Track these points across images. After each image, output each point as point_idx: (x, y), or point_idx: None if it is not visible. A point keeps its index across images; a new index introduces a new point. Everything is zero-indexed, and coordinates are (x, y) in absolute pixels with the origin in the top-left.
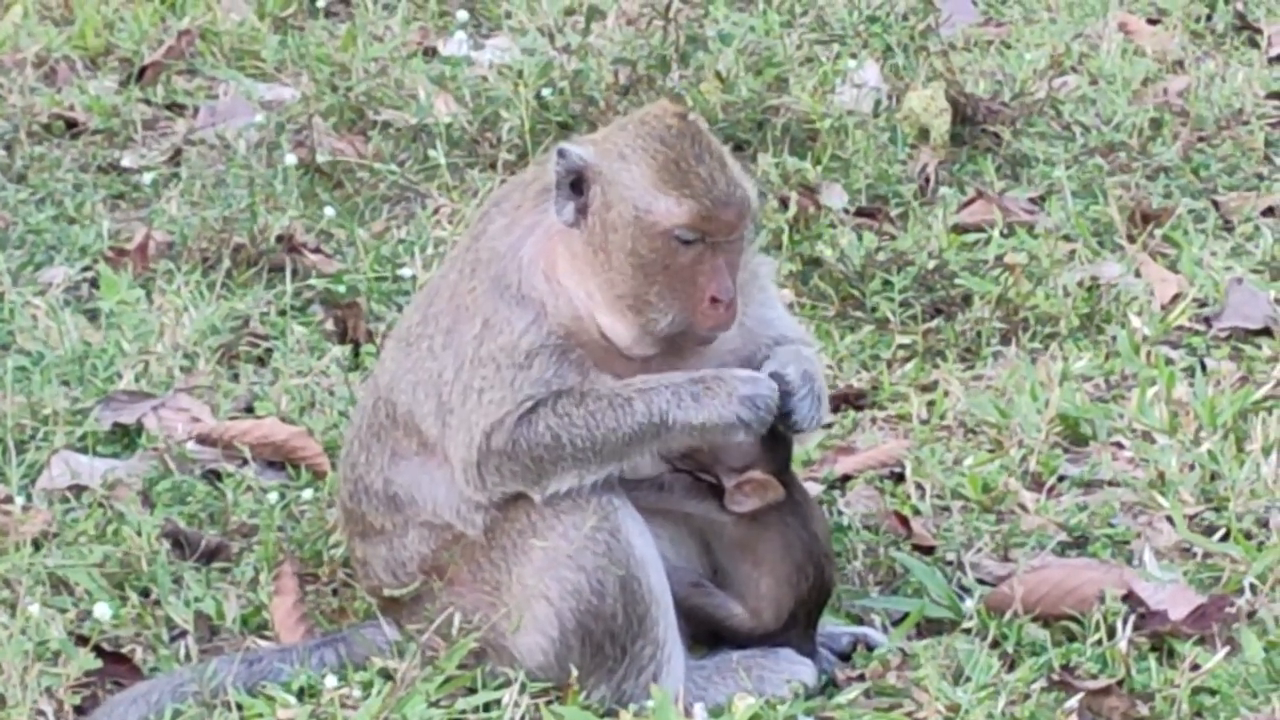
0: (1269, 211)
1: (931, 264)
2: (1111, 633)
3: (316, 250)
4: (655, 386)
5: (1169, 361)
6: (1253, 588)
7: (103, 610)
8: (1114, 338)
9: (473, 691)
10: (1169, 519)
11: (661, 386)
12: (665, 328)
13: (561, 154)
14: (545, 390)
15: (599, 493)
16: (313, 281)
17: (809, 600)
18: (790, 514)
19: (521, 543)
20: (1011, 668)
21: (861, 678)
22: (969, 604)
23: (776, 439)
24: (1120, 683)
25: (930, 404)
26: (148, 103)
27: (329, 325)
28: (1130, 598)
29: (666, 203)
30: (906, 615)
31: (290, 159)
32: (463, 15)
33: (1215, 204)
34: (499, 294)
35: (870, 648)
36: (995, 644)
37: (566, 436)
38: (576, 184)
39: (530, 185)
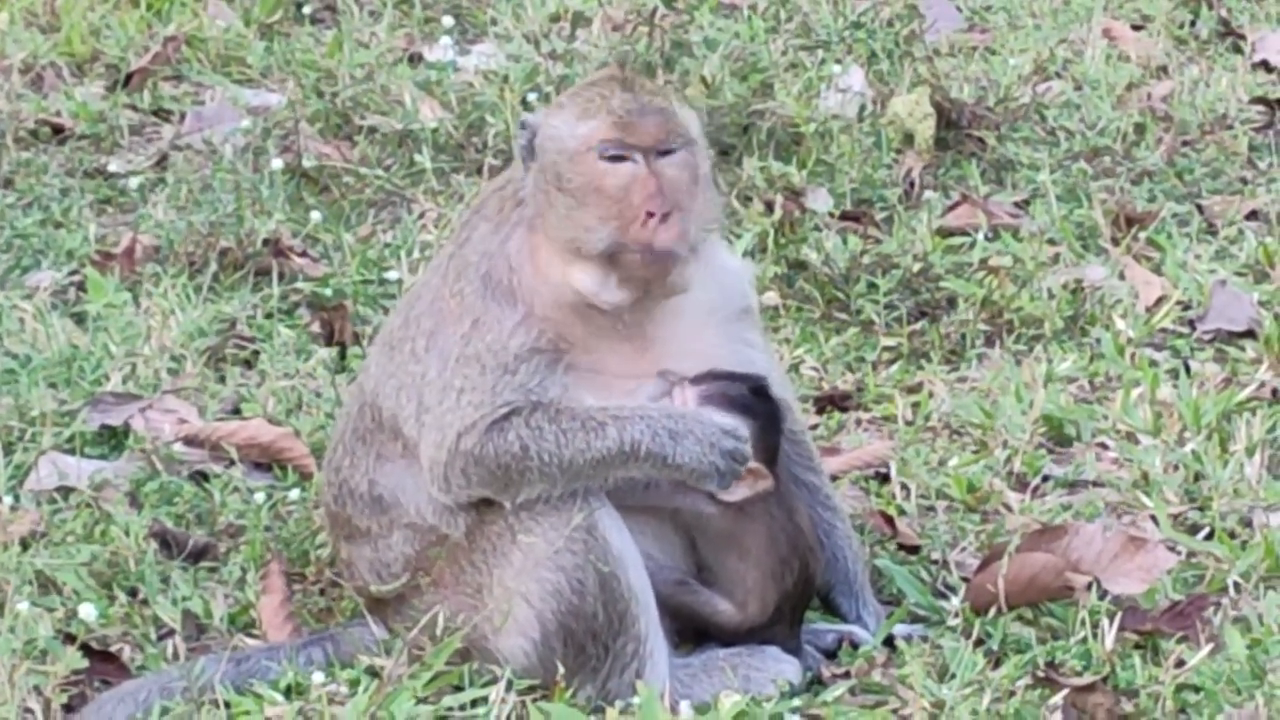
0: (1252, 215)
1: (916, 267)
2: (1096, 630)
3: (303, 254)
4: (632, 416)
5: (1153, 363)
6: (1236, 586)
7: (88, 611)
8: (1098, 340)
9: (460, 689)
10: (1153, 518)
11: (638, 416)
12: (607, 250)
13: (522, 125)
14: (524, 399)
15: (576, 493)
16: (299, 285)
17: (794, 594)
18: (776, 506)
19: (501, 545)
20: (996, 665)
21: (847, 675)
22: (955, 602)
23: (767, 429)
24: (1105, 679)
25: (915, 405)
26: (134, 108)
27: (315, 328)
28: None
29: (585, 126)
30: (892, 613)
31: (277, 163)
32: (448, 21)
33: (1199, 208)
34: (489, 293)
35: (855, 645)
36: (980, 642)
37: (535, 450)
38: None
39: (506, 188)
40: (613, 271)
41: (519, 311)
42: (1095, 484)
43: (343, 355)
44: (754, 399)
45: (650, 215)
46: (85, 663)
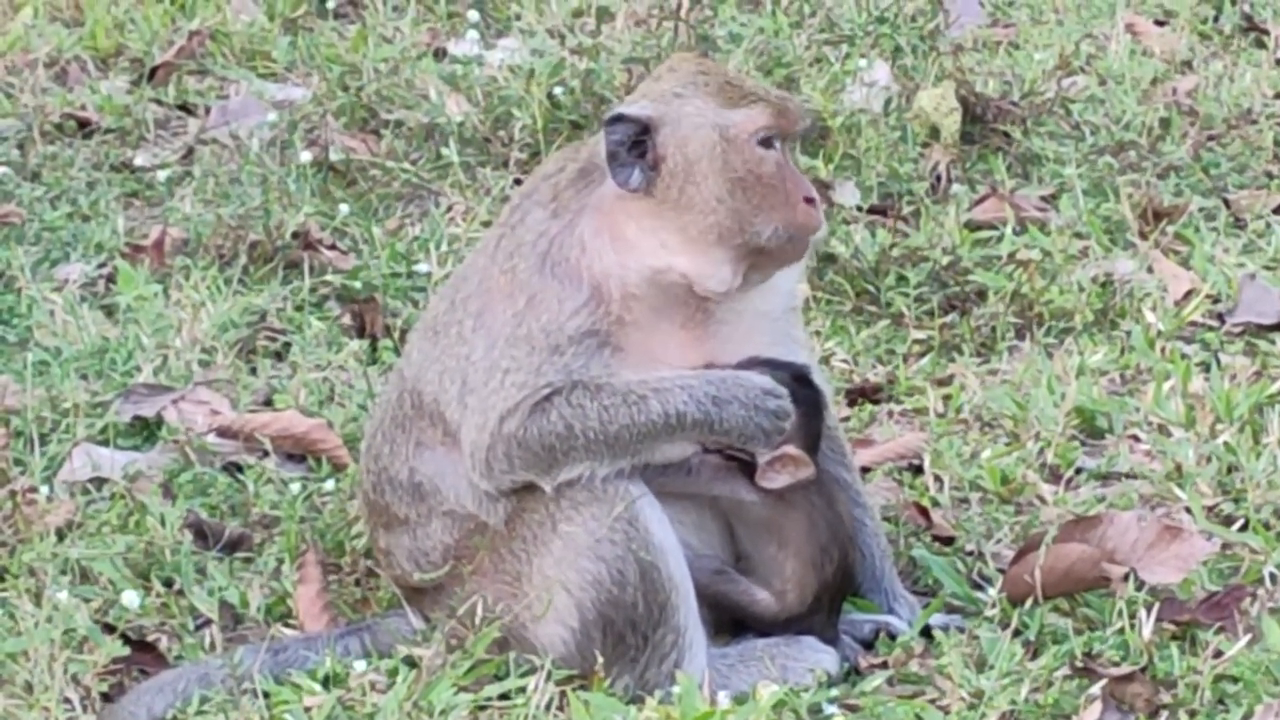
0: (1279, 210)
1: (945, 260)
2: (1133, 620)
3: (332, 247)
4: (672, 386)
5: (1183, 356)
6: (1273, 577)
7: (131, 598)
8: (1128, 333)
9: (499, 678)
10: (1187, 510)
11: (678, 386)
12: (770, 239)
13: (619, 119)
14: (565, 379)
15: (617, 481)
16: (329, 277)
17: (833, 584)
18: (816, 495)
19: (541, 533)
20: (1034, 655)
21: (884, 665)
22: (991, 593)
23: (810, 416)
24: (1143, 670)
25: (946, 398)
26: (159, 102)
27: (346, 320)
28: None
29: (742, 113)
30: (928, 604)
31: (305, 156)
32: (473, 16)
33: (1226, 202)
34: (549, 272)
35: (892, 636)
36: (1017, 632)
37: (580, 428)
38: (633, 146)
39: (561, 173)
40: (748, 257)
41: (583, 292)
42: (1129, 476)
43: (374, 347)
44: (797, 386)
45: (809, 200)
46: (125, 651)
